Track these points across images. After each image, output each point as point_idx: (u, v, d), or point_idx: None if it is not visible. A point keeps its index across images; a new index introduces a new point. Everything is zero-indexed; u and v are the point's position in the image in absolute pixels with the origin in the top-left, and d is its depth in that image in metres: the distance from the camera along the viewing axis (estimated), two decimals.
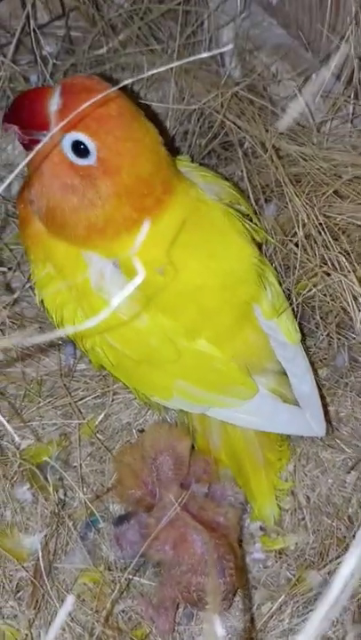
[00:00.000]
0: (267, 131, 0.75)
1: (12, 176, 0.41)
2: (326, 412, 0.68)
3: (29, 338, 0.69)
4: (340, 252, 0.69)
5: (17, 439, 0.68)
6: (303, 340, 0.74)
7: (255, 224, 0.69)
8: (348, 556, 0.31)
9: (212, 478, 0.65)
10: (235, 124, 0.77)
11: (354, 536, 0.65)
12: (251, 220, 0.69)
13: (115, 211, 0.58)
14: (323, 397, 0.69)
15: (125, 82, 0.40)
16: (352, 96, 0.76)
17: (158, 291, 0.59)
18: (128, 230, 0.59)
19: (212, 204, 0.64)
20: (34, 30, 0.81)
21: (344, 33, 0.73)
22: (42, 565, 0.62)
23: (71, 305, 0.62)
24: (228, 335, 0.64)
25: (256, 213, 0.73)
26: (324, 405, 0.69)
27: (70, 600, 0.48)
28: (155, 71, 0.33)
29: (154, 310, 0.60)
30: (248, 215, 0.69)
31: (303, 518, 0.68)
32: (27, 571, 0.64)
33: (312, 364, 0.73)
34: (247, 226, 0.66)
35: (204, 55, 0.33)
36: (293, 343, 0.66)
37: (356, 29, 0.71)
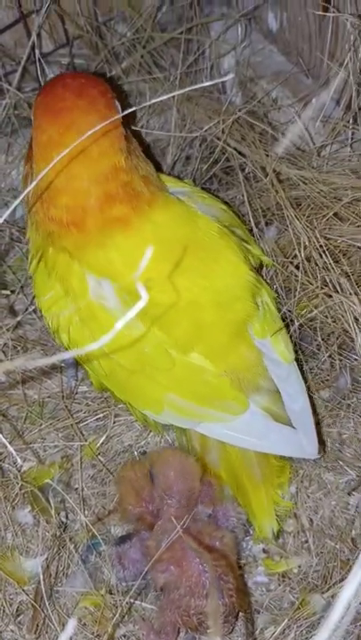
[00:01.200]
0: (267, 155, 0.76)
1: (16, 202, 0.42)
2: (319, 433, 0.68)
3: (32, 361, 0.69)
4: (340, 274, 0.69)
5: (19, 461, 0.68)
6: (306, 362, 0.74)
7: (251, 248, 0.70)
8: (350, 578, 0.30)
9: (216, 500, 0.65)
10: (236, 149, 0.78)
11: (357, 559, 0.64)
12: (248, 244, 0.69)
13: (45, 203, 0.59)
14: (317, 422, 0.69)
15: (129, 110, 0.41)
16: (351, 121, 0.77)
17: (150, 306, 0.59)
18: (80, 236, 0.60)
19: (207, 223, 0.65)
20: (38, 59, 0.83)
21: (343, 60, 0.74)
22: (43, 589, 0.61)
23: (67, 312, 0.63)
24: (223, 351, 0.64)
25: (254, 236, 0.74)
26: (319, 426, 0.68)
27: (72, 624, 0.47)
28: (158, 99, 0.34)
29: (148, 323, 0.61)
30: (245, 240, 0.69)
31: (306, 541, 0.67)
32: (27, 594, 0.64)
33: (312, 385, 0.73)
34: (243, 247, 0.67)
35: (207, 84, 0.34)
36: (287, 362, 0.66)
37: (354, 57, 0.73)
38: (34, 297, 0.69)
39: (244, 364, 0.64)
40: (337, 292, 0.68)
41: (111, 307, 0.61)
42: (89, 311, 0.62)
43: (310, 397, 0.68)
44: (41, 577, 0.62)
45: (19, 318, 0.79)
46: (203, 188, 0.80)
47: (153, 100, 0.76)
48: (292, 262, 0.72)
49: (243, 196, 0.75)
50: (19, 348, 0.78)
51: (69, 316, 0.63)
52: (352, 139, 0.78)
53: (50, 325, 0.66)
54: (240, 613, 0.61)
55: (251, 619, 0.62)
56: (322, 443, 0.68)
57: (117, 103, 0.59)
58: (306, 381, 0.74)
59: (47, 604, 0.61)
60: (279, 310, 0.70)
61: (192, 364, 0.63)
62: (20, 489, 0.68)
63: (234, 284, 0.64)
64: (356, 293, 0.68)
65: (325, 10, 0.77)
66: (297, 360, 0.69)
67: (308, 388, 0.73)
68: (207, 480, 0.66)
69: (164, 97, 0.46)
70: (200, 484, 0.64)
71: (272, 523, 0.66)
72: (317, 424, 0.68)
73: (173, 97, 0.80)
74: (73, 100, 0.57)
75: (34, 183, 0.45)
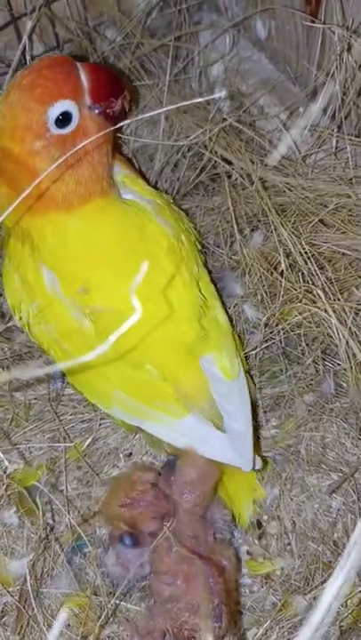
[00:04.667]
0: (253, 162, 0.77)
1: (10, 209, 0.42)
2: (258, 449, 0.67)
3: (28, 371, 0.69)
4: (325, 281, 0.70)
5: (6, 462, 0.68)
6: (290, 366, 0.75)
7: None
8: (332, 580, 0.31)
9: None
10: (222, 157, 0.79)
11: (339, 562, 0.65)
12: None
13: None
14: (257, 431, 0.69)
15: (123, 122, 0.41)
16: (336, 129, 0.78)
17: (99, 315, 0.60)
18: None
19: (158, 235, 0.64)
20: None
21: (329, 69, 0.76)
22: (30, 589, 0.62)
23: (24, 302, 0.64)
24: (171, 372, 0.64)
25: (237, 242, 0.75)
26: (258, 444, 0.68)
27: (62, 617, 0.46)
28: (151, 114, 0.34)
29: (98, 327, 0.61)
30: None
31: (289, 543, 0.68)
32: (12, 596, 0.64)
33: (295, 390, 0.74)
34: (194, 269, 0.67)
35: (199, 100, 0.34)
36: (228, 378, 0.65)
37: (340, 67, 0.74)
38: None
39: (192, 387, 0.64)
40: (321, 298, 0.69)
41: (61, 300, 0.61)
42: (45, 302, 0.62)
43: (254, 413, 0.69)
44: (27, 577, 0.62)
45: (9, 324, 0.78)
46: (189, 194, 0.81)
47: (147, 114, 0.77)
48: (276, 269, 0.73)
49: (229, 202, 0.76)
50: (6, 349, 0.79)
51: (27, 307, 0.64)
52: (336, 147, 0.79)
53: (13, 314, 0.66)
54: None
55: (238, 620, 0.63)
56: (261, 456, 0.67)
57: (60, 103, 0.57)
58: (289, 386, 0.75)
59: (34, 604, 0.62)
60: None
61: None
62: (6, 490, 0.68)
63: (181, 303, 0.64)
64: (339, 300, 0.69)
65: (313, 21, 0.78)
66: (249, 373, 0.69)
67: (291, 392, 0.75)
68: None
69: (159, 111, 0.46)
70: (212, 489, 0.66)
71: (250, 509, 0.66)
72: (257, 442, 0.68)
73: (161, 104, 0.81)
74: (17, 84, 0.58)
75: (22, 196, 0.45)
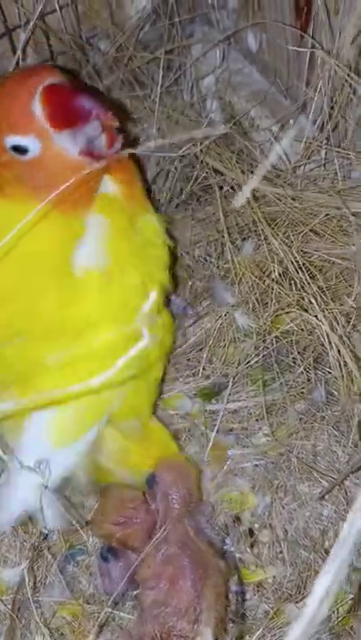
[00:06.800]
0: (243, 173, 0.78)
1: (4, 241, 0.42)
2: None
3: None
4: (317, 290, 0.71)
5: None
6: (282, 374, 0.76)
7: None
8: (316, 582, 0.31)
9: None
10: (214, 168, 0.80)
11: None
12: None
13: None
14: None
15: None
16: (324, 141, 0.79)
17: None
18: None
19: (64, 269, 0.60)
20: None
21: (317, 83, 0.77)
22: (29, 596, 0.62)
23: None
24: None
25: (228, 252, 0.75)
26: None
27: None
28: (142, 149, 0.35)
29: None
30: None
31: (281, 551, 0.68)
32: (5, 604, 0.64)
33: (287, 398, 0.74)
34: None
35: (199, 132, 0.34)
36: (55, 446, 0.61)
37: (328, 82, 0.75)
38: None
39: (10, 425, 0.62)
40: (312, 305, 0.70)
41: None
42: None
43: None
44: (26, 583, 0.62)
45: None
46: (181, 205, 0.82)
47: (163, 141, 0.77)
48: (268, 277, 0.74)
49: (220, 213, 0.77)
50: None
51: None
52: (325, 159, 0.80)
53: None
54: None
55: (225, 629, 0.63)
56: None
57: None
58: (281, 394, 0.75)
59: (34, 611, 0.62)
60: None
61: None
62: None
63: (45, 319, 0.60)
64: (328, 309, 0.70)
65: (302, 35, 0.79)
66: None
67: (283, 400, 0.75)
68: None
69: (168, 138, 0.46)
70: (196, 490, 0.66)
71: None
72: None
73: (154, 114, 0.82)
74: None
75: (11, 233, 0.45)
